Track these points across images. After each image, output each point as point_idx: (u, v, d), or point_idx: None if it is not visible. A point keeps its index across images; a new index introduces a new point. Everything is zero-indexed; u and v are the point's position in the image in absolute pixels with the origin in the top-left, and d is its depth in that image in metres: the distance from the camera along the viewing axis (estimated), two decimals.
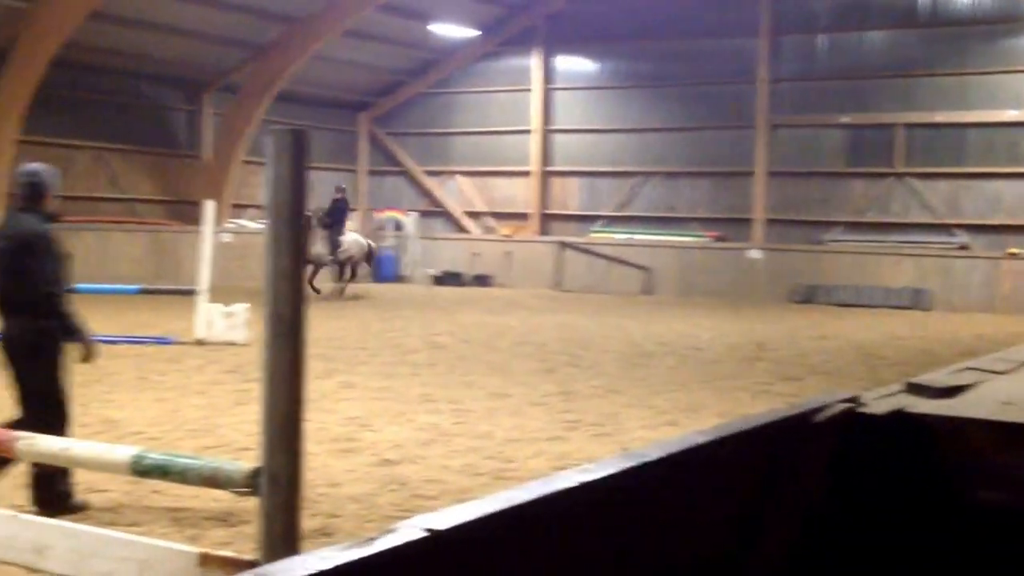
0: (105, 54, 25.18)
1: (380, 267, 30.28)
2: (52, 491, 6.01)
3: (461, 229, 31.16)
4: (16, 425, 5.90)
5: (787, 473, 2.41)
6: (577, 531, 1.58)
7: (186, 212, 27.32)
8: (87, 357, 6.40)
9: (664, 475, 1.84)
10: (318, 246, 21.87)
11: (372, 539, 1.26)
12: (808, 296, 25.27)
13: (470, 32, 29.31)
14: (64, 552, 3.62)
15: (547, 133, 30.05)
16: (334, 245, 22.55)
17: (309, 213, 21.60)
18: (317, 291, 21.59)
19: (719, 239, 27.43)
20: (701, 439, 1.98)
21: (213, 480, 3.60)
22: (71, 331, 6.28)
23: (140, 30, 25.04)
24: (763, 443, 2.28)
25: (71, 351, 6.34)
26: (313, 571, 1.16)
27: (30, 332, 6.13)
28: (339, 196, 23.56)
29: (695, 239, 27.66)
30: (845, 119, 26.08)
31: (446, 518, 1.33)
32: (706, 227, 27.74)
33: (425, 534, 1.29)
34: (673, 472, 1.90)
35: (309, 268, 22.15)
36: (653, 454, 1.83)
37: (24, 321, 6.13)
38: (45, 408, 6.13)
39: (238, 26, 26.42)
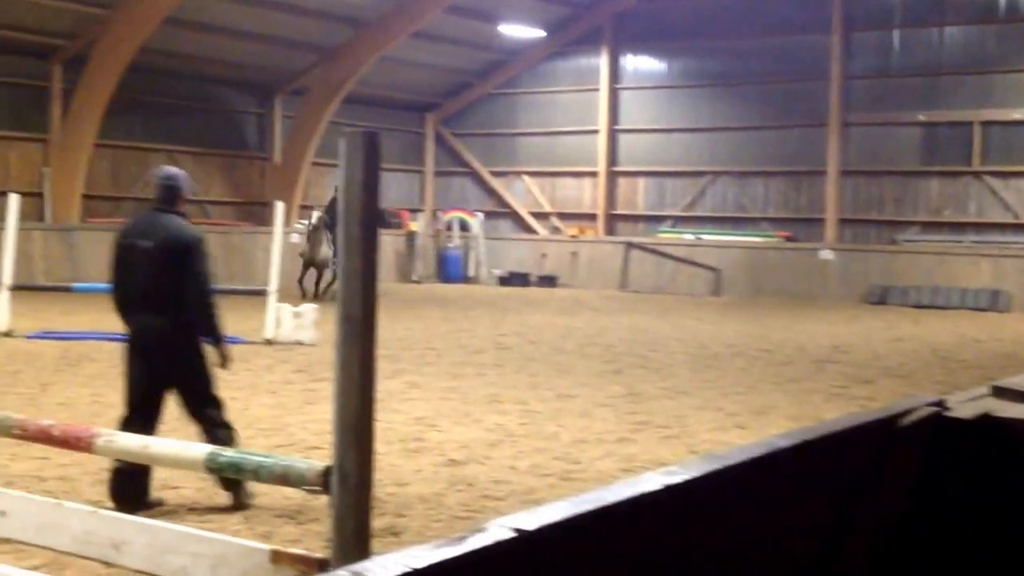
0: (179, 59, 25.58)
1: (446, 267, 30.39)
2: (134, 488, 6.09)
3: (527, 230, 31.14)
4: (212, 427, 6.07)
5: (872, 477, 2.35)
6: (660, 533, 1.56)
7: (256, 213, 27.68)
8: (224, 361, 6.47)
9: (748, 479, 1.80)
10: (323, 248, 21.31)
11: (462, 538, 1.26)
12: (882, 297, 24.85)
13: (537, 32, 29.29)
14: (141, 548, 3.65)
15: (614, 133, 29.92)
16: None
17: (323, 215, 21.27)
18: (306, 293, 20.88)
19: (790, 239, 27.10)
20: (785, 443, 1.93)
21: (285, 478, 3.61)
22: (217, 333, 6.39)
23: (213, 35, 25.39)
24: (848, 447, 2.22)
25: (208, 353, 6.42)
26: (407, 569, 1.17)
27: (175, 331, 6.23)
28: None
29: (766, 239, 27.35)
30: (921, 117, 25.61)
31: (534, 518, 1.33)
32: (777, 227, 27.42)
33: (514, 534, 1.29)
34: (757, 476, 1.86)
35: (310, 271, 21.39)
36: (737, 457, 1.79)
37: (168, 320, 6.21)
38: (217, 404, 6.33)
39: (308, 30, 26.68)
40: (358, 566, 1.19)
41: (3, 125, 23.50)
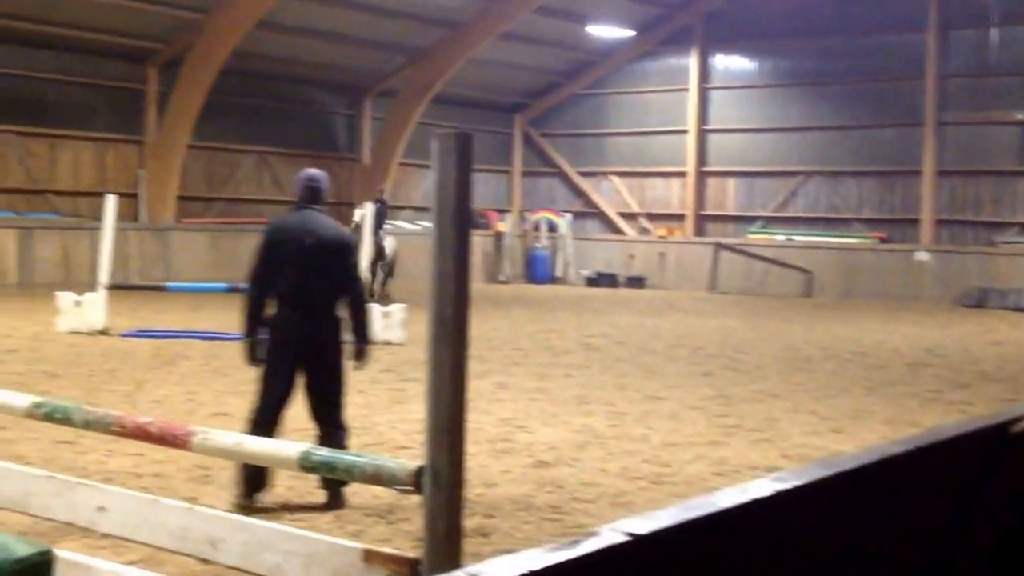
0: (270, 61, 25.99)
1: (534, 268, 30.39)
2: (258, 483, 6.17)
3: (615, 230, 31.01)
4: (333, 428, 6.17)
5: (984, 483, 2.26)
6: (772, 539, 1.54)
7: (345, 214, 28.01)
8: (362, 360, 6.55)
9: (859, 485, 1.75)
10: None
11: (576, 541, 1.27)
12: (980, 300, 24.20)
13: (626, 32, 29.16)
14: (236, 545, 3.68)
15: (703, 133, 29.65)
16: (379, 249, 20.60)
17: (357, 220, 19.66)
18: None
19: (885, 240, 26.55)
20: (896, 449, 1.86)
21: (377, 478, 3.61)
22: (367, 333, 6.48)
23: (304, 37, 25.75)
24: (960, 453, 2.14)
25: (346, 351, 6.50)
26: (523, 571, 1.18)
27: (331, 330, 6.33)
28: (379, 198, 22.41)
29: (859, 240, 26.84)
30: (1019, 116, 24.91)
31: (647, 523, 1.33)
32: (871, 228, 26.89)
33: (627, 538, 1.30)
34: (868, 482, 1.80)
35: None
36: (848, 463, 1.73)
37: (326, 319, 6.31)
38: (342, 406, 6.41)
39: (398, 31, 26.91)
40: (474, 568, 1.20)
41: (101, 127, 24.11)
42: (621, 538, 1.29)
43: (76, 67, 23.67)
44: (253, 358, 6.36)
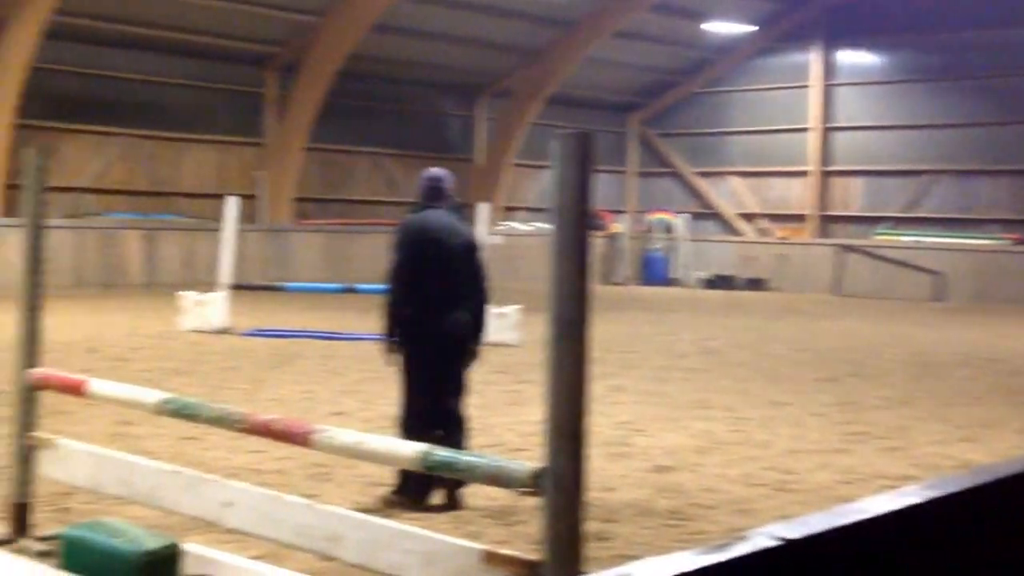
0: (384, 63, 26.34)
1: (649, 270, 30.16)
2: (419, 487, 6.21)
3: (734, 231, 30.58)
4: (455, 427, 6.26)
5: None
6: (923, 546, 1.48)
7: (460, 216, 28.15)
8: (475, 360, 6.63)
9: (1014, 493, 1.65)
10: None
11: (725, 545, 1.26)
12: None
13: (745, 28, 28.73)
14: (356, 542, 3.69)
15: (826, 131, 29.04)
16: None
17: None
18: None
19: (1021, 242, 25.60)
20: None
21: (497, 479, 3.56)
22: (482, 332, 6.56)
23: (418, 39, 26.03)
24: None
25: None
26: (673, 573, 1.18)
27: (466, 329, 6.42)
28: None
29: (993, 242, 25.93)
30: None
31: (798, 528, 1.32)
32: (1006, 229, 25.97)
33: (778, 542, 1.28)
34: (1020, 492, 1.70)
35: None
36: (1001, 471, 1.64)
37: (462, 318, 6.39)
38: (463, 406, 6.48)
39: (512, 32, 27.01)
40: (622, 569, 1.20)
41: (222, 130, 24.77)
42: (772, 542, 1.27)
43: (197, 72, 24.37)
44: (394, 359, 6.43)
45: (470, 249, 6.48)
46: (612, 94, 31.33)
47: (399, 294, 6.37)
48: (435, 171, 6.74)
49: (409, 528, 3.79)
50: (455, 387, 6.47)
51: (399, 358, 6.41)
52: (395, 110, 27.67)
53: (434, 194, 6.60)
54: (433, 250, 6.37)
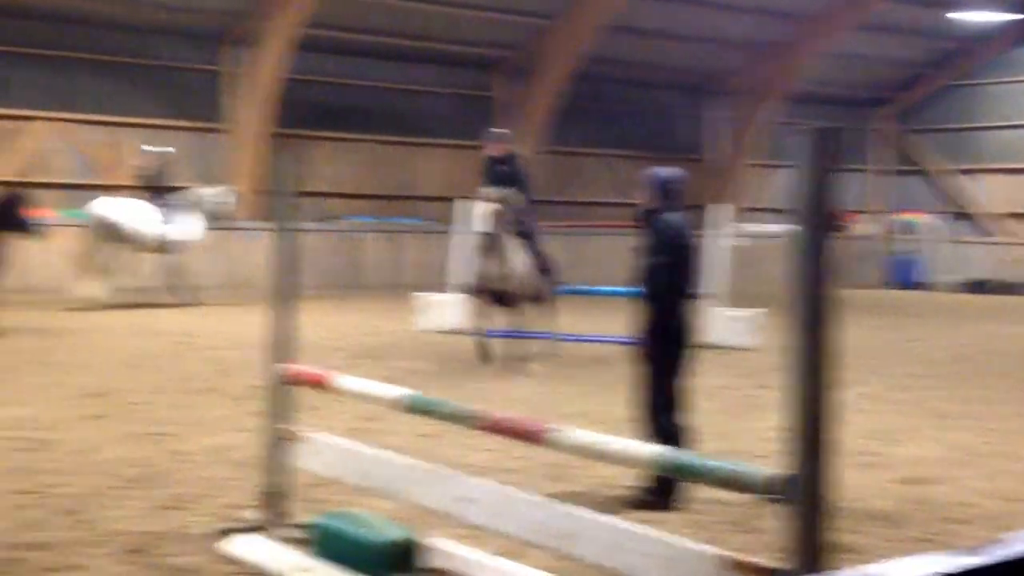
0: (616, 64, 26.31)
1: (895, 272, 28.87)
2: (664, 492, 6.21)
3: (988, 232, 28.84)
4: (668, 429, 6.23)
5: None
6: None
7: (693, 217, 27.83)
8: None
9: None
10: (509, 260, 11.84)
11: (982, 548, 1.21)
12: None
13: (1003, 16, 27.04)
14: (593, 542, 3.68)
15: None
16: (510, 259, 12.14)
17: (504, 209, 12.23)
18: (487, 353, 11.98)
19: None
20: None
21: (734, 483, 3.48)
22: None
23: (648, 38, 25.88)
24: None
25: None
26: (930, 573, 1.15)
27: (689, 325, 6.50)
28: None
29: None
30: None
31: None
32: None
33: None
34: None
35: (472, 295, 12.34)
36: None
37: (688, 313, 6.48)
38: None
39: (747, 28, 26.46)
40: (877, 567, 1.16)
41: (455, 135, 25.41)
42: None
43: (432, 78, 25.10)
44: (656, 360, 6.40)
45: (696, 250, 6.60)
46: (852, 89, 30.17)
47: (663, 296, 6.33)
48: (671, 171, 6.66)
49: (648, 531, 3.74)
50: (683, 388, 6.52)
51: (652, 359, 6.36)
52: (626, 111, 27.61)
53: (673, 195, 6.56)
54: (686, 252, 6.39)
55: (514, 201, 11.77)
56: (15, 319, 13.32)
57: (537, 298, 12.19)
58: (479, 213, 11.65)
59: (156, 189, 18.36)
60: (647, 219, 6.52)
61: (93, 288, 17.27)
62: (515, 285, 11.79)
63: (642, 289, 6.42)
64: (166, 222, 17.99)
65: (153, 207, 17.98)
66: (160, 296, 18.22)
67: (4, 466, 6.78)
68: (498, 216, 11.52)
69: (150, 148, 19.16)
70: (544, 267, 12.10)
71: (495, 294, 11.82)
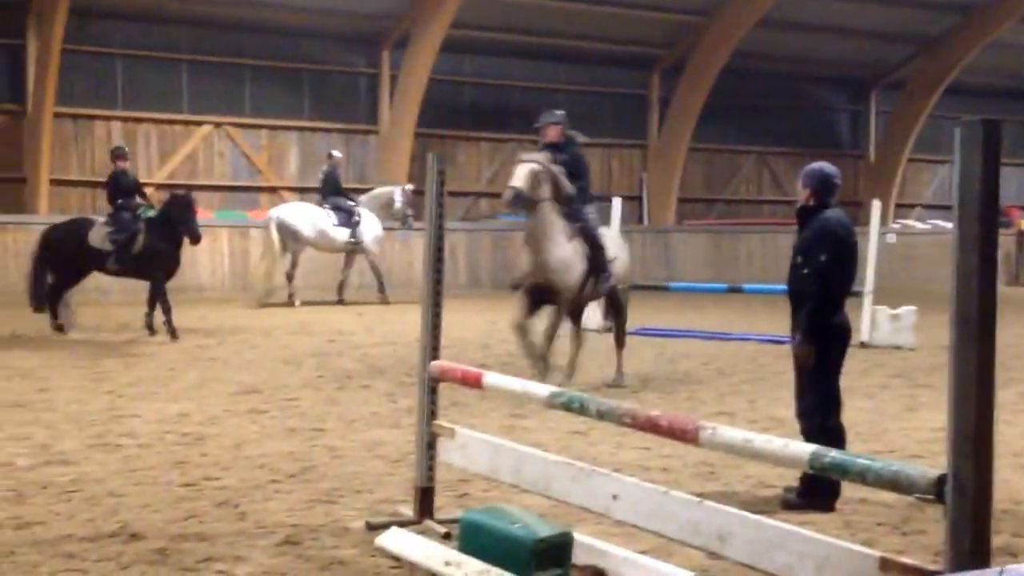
0: (769, 60, 25.85)
1: None
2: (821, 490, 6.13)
3: None
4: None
5: None
6: None
7: (849, 213, 27.15)
8: None
9: None
10: (561, 256, 9.99)
11: None
12: None
13: None
14: (746, 541, 3.63)
15: None
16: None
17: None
18: (545, 362, 9.91)
19: None
20: None
21: (894, 484, 3.38)
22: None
23: (805, 33, 25.35)
24: None
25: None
26: None
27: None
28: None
29: None
30: None
31: None
32: None
33: None
34: None
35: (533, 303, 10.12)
36: None
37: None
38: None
39: (908, 20, 25.67)
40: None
41: (608, 133, 25.32)
42: None
43: (583, 77, 25.10)
44: (816, 359, 6.27)
45: (856, 250, 6.39)
46: (1019, 81, 28.93)
47: (823, 295, 6.19)
48: (830, 167, 6.51)
49: (801, 530, 3.68)
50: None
51: (811, 359, 6.23)
52: (780, 107, 27.11)
53: (834, 191, 6.43)
54: (847, 250, 6.27)
55: (561, 180, 9.81)
56: (181, 319, 13.87)
57: (588, 297, 10.41)
58: (515, 173, 9.64)
59: (337, 191, 18.88)
60: (806, 216, 6.37)
61: (270, 290, 18.00)
62: (558, 278, 9.75)
63: (800, 287, 6.27)
64: (351, 223, 18.52)
65: (336, 209, 18.53)
66: (341, 295, 18.77)
67: (166, 460, 7.07)
68: (534, 176, 9.54)
69: (335, 152, 19.66)
70: (597, 264, 10.00)
71: (535, 290, 9.85)
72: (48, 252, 13.85)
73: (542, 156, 9.83)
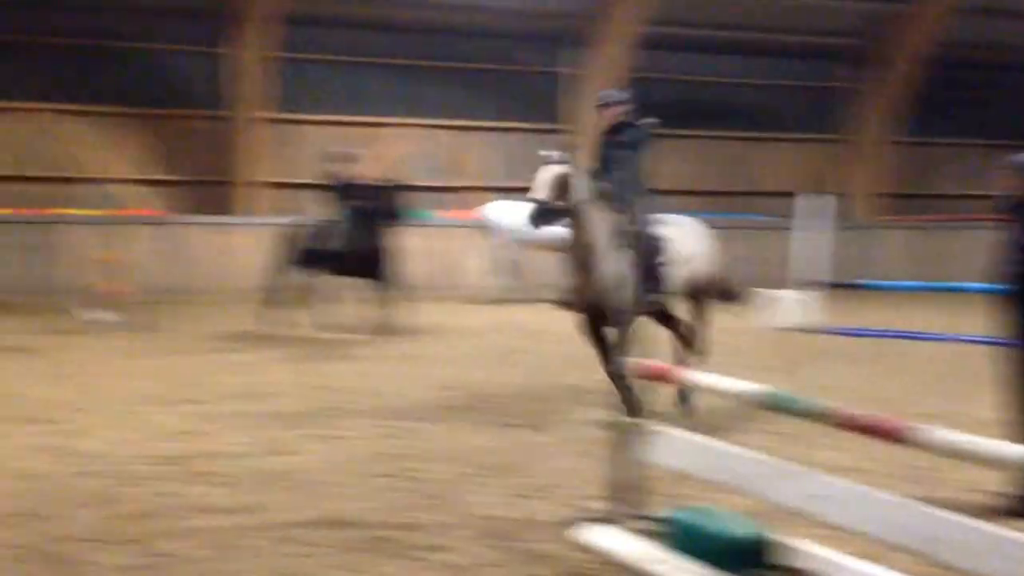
0: (976, 49, 24.76)
1: None
2: None
3: None
4: None
5: None
6: None
7: None
8: None
9: None
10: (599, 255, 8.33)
11: None
12: None
13: None
14: (958, 546, 3.56)
15: None
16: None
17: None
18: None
19: None
20: None
21: None
22: None
23: (1017, 20, 24.17)
24: None
25: None
26: None
27: None
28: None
29: None
30: None
31: None
32: None
33: None
34: None
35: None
36: None
37: None
38: None
39: None
40: None
41: (794, 128, 24.78)
42: None
43: (768, 70, 24.67)
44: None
45: None
46: None
47: None
48: None
49: (1015, 534, 3.57)
50: None
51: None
52: (991, 97, 25.88)
53: None
54: None
55: (600, 182, 8.33)
56: (395, 318, 14.27)
57: (632, 312, 8.12)
58: (537, 181, 8.02)
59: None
60: (1017, 210, 6.09)
61: (490, 288, 18.46)
62: (611, 297, 8.04)
63: (1013, 287, 6.01)
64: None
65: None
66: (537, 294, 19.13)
67: (373, 451, 7.35)
68: (561, 181, 7.96)
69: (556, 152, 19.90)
70: (649, 272, 8.32)
71: (591, 312, 8.23)
72: (295, 251, 14.26)
73: (563, 155, 8.18)
